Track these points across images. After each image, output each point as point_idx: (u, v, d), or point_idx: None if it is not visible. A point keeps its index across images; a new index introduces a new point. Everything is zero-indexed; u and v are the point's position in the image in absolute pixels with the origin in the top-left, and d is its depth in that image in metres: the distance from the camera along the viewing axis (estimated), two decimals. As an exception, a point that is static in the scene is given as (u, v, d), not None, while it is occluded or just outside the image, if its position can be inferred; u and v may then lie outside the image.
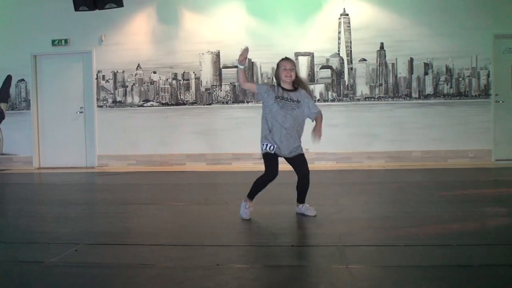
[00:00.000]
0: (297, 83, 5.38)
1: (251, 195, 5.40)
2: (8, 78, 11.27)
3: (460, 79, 10.05)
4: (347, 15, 10.25)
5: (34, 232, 5.13)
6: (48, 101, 11.24)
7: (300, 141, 5.41)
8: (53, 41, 11.04)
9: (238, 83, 5.06)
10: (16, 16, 11.11)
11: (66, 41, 11.02)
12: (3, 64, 11.17)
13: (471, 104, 10.05)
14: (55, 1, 10.71)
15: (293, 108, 5.24)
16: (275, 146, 5.21)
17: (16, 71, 11.22)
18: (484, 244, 4.23)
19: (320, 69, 10.36)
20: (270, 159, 5.23)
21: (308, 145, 10.13)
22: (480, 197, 6.48)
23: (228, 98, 10.50)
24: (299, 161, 5.34)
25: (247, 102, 10.47)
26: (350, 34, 10.26)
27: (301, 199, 5.50)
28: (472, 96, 10.05)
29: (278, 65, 5.38)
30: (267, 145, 5.23)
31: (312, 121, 5.41)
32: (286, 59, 5.40)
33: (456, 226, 4.86)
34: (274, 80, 5.48)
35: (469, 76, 10.03)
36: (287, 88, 5.31)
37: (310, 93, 5.58)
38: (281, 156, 5.29)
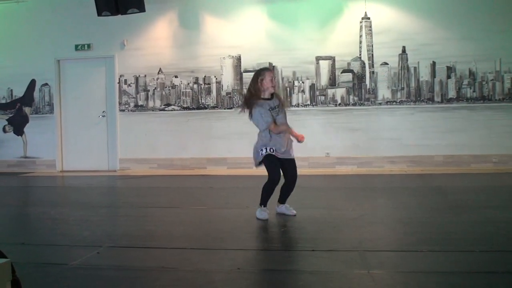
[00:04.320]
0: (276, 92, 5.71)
1: (264, 202, 5.64)
2: (32, 83, 11.43)
3: (484, 82, 9.93)
4: (369, 18, 10.19)
5: (57, 234, 5.19)
6: (71, 105, 11.36)
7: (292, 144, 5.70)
8: (76, 46, 11.17)
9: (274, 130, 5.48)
10: (40, 22, 11.26)
11: (89, 46, 11.15)
12: (27, 68, 11.32)
13: (494, 108, 9.91)
14: (78, 6, 10.84)
15: (281, 111, 5.61)
16: (274, 148, 5.49)
17: (40, 76, 11.38)
18: (508, 250, 4.16)
19: (341, 73, 10.31)
20: (270, 162, 5.52)
21: (328, 150, 10.21)
22: (503, 203, 6.38)
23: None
24: (291, 165, 5.64)
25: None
26: (371, 38, 10.20)
27: (283, 200, 5.78)
28: (495, 100, 9.91)
29: (263, 75, 5.56)
30: (264, 148, 5.51)
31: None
32: (268, 69, 5.76)
33: (480, 232, 4.80)
34: (263, 87, 5.56)
35: (492, 79, 9.90)
36: (267, 98, 5.57)
37: (284, 101, 5.93)
38: (279, 156, 5.56)
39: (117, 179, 9.99)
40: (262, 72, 5.59)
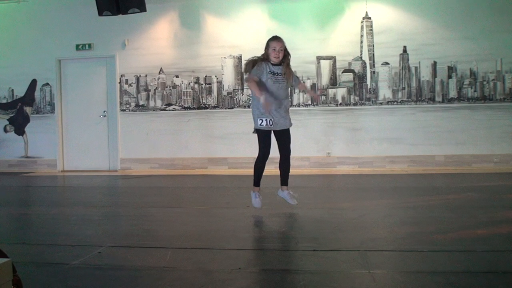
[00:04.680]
0: (284, 62, 5.75)
1: (255, 182, 5.75)
2: (33, 82, 11.44)
3: (485, 82, 9.93)
4: (370, 18, 10.20)
5: (58, 234, 5.19)
6: (72, 105, 11.37)
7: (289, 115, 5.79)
8: (77, 46, 11.18)
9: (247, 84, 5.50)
10: (41, 22, 11.28)
11: (90, 45, 11.16)
12: (28, 68, 11.34)
13: (495, 108, 9.91)
14: (79, 6, 10.85)
15: (283, 80, 5.65)
16: (272, 120, 5.52)
17: (41, 75, 11.40)
18: (508, 250, 4.16)
19: (342, 72, 10.32)
20: (264, 136, 5.57)
21: (329, 149, 10.21)
22: (505, 203, 6.38)
23: (250, 102, 10.50)
24: (286, 136, 5.71)
25: (269, 106, 10.46)
26: (372, 38, 10.20)
27: (284, 181, 5.77)
28: (496, 100, 9.91)
29: (268, 44, 5.75)
30: (265, 120, 5.52)
31: (295, 90, 5.97)
32: (276, 38, 5.78)
33: (481, 232, 4.79)
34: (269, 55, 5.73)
35: (493, 79, 9.90)
36: (273, 63, 5.68)
37: (290, 74, 5.87)
38: (275, 129, 5.61)
39: (118, 179, 9.99)
40: (269, 41, 5.76)
